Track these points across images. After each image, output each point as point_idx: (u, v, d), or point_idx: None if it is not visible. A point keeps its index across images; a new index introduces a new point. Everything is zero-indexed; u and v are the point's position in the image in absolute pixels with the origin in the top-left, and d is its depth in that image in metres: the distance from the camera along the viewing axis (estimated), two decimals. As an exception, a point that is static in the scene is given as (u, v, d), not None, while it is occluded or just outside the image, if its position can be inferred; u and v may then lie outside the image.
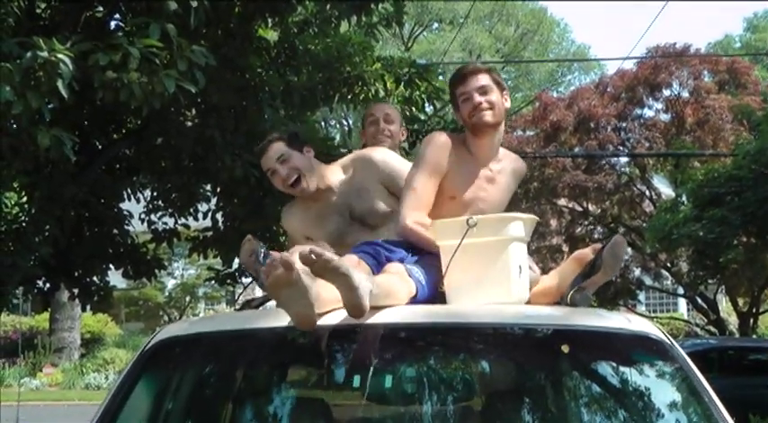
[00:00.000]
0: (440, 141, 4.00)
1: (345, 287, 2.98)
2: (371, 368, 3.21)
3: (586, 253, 3.63)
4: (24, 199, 8.95)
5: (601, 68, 41.39)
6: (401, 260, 3.62)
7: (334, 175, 4.40)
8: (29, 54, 5.67)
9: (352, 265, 3.22)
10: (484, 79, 3.95)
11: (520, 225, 3.55)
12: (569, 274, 3.59)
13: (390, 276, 3.36)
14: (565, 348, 3.25)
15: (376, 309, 3.13)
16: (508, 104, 4.06)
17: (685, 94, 24.01)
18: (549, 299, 3.64)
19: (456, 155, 3.96)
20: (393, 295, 3.28)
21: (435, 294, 3.54)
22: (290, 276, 2.92)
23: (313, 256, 2.92)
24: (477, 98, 3.90)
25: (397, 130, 5.11)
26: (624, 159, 24.94)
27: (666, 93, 24.23)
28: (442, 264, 3.52)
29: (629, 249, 25.73)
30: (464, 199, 3.95)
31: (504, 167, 4.10)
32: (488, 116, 3.90)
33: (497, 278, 3.46)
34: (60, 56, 5.66)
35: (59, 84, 5.67)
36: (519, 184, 4.28)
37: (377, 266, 3.54)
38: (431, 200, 3.92)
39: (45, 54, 5.63)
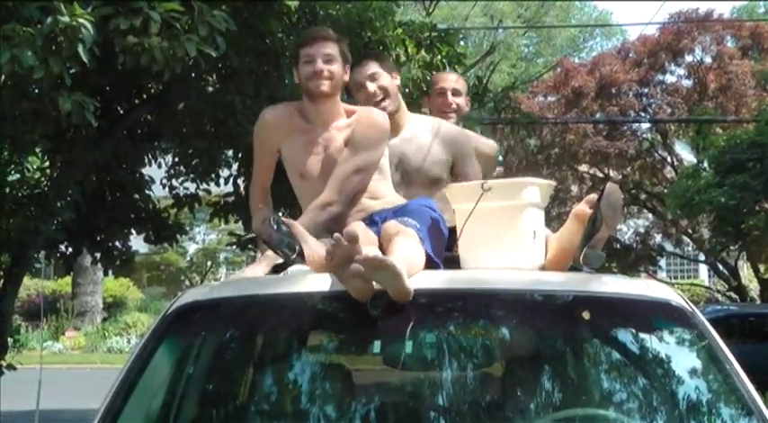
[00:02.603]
0: (264, 120, 4.07)
1: (394, 278, 3.02)
2: (395, 334, 3.22)
3: (584, 209, 3.60)
4: (46, 164, 8.99)
5: (623, 34, 41.08)
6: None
7: (412, 116, 4.57)
8: (50, 19, 5.67)
9: (362, 236, 3.26)
10: (331, 48, 3.99)
11: (536, 190, 3.54)
12: (574, 233, 3.55)
13: (407, 246, 3.38)
14: (585, 315, 3.24)
15: None
16: (347, 78, 4.08)
17: (708, 60, 23.83)
18: (561, 262, 3.64)
19: (290, 126, 4.02)
20: (416, 267, 3.32)
21: (439, 259, 3.58)
22: (354, 251, 3.01)
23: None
24: (320, 65, 3.93)
25: (464, 104, 5.16)
26: (646, 125, 24.84)
27: (689, 58, 24.06)
28: (457, 227, 3.54)
29: (650, 215, 25.73)
30: (312, 173, 3.98)
31: (350, 127, 4.05)
32: (325, 86, 3.92)
33: (512, 243, 3.46)
34: (81, 20, 5.66)
35: (80, 48, 5.67)
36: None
37: (378, 233, 3.62)
38: (266, 182, 4.18)
39: (66, 19, 5.63)
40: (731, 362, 3.03)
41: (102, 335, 27.76)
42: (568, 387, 3.24)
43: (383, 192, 4.06)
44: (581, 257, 3.49)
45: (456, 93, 5.08)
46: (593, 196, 3.58)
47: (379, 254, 3.13)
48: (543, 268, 3.58)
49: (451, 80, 5.23)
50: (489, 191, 3.42)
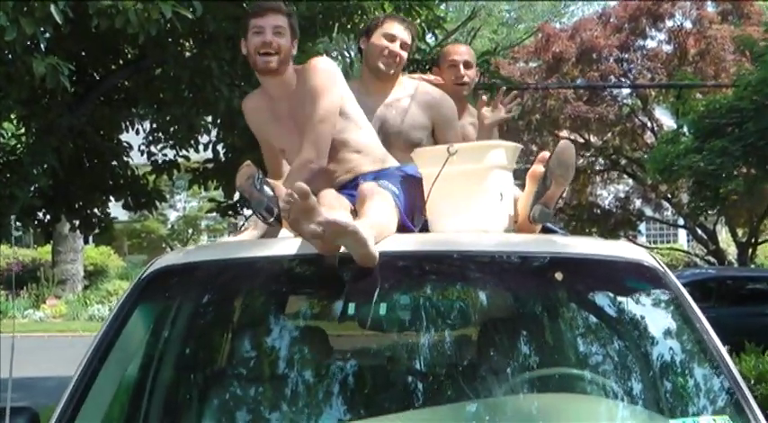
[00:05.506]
0: (246, 109, 4.16)
1: (358, 243, 3.03)
2: (369, 297, 3.22)
3: (538, 168, 3.60)
4: (22, 130, 8.93)
5: (604, -2, 41.00)
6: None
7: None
8: (20, -22, 5.59)
9: (332, 201, 3.38)
10: (281, 20, 3.93)
11: (502, 152, 3.55)
12: (531, 193, 3.59)
13: (381, 209, 3.38)
14: (558, 276, 3.25)
15: None
16: (295, 51, 4.03)
17: (688, 25, 23.81)
18: (526, 223, 3.63)
19: (263, 108, 4.05)
20: (387, 231, 3.32)
21: (413, 217, 3.59)
22: (308, 206, 3.01)
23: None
24: (269, 37, 3.88)
25: (474, 75, 5.04)
26: (626, 91, 24.82)
27: (669, 23, 24.03)
28: (424, 191, 3.54)
29: (630, 181, 25.80)
30: (289, 145, 3.97)
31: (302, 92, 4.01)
32: (273, 62, 3.88)
33: (479, 205, 3.47)
34: (54, -20, 5.58)
35: (53, 9, 5.60)
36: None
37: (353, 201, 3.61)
38: (276, 160, 4.16)
39: (37, -22, 5.56)
40: (702, 321, 3.06)
41: (84, 303, 27.66)
42: (541, 347, 3.26)
43: (366, 144, 3.98)
44: (530, 216, 3.51)
45: (467, 65, 5.01)
46: (546, 154, 3.59)
47: (343, 218, 3.10)
48: (514, 230, 3.58)
49: (463, 52, 5.05)
50: (455, 154, 3.41)
